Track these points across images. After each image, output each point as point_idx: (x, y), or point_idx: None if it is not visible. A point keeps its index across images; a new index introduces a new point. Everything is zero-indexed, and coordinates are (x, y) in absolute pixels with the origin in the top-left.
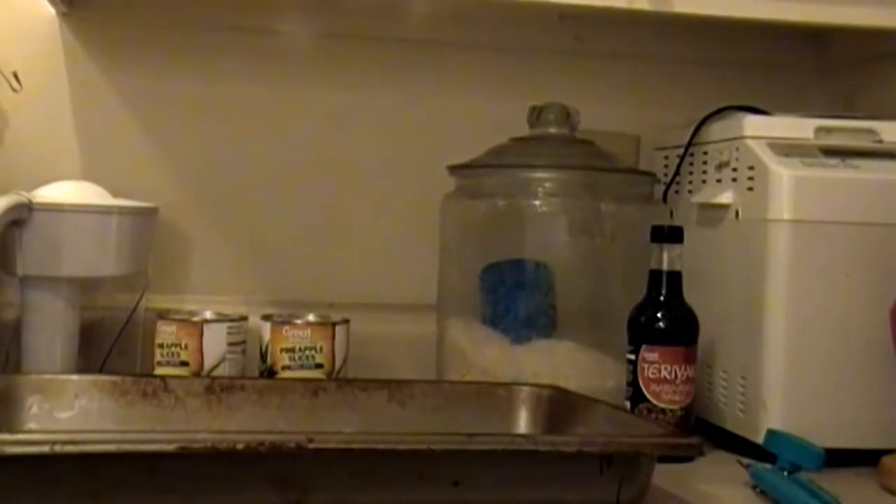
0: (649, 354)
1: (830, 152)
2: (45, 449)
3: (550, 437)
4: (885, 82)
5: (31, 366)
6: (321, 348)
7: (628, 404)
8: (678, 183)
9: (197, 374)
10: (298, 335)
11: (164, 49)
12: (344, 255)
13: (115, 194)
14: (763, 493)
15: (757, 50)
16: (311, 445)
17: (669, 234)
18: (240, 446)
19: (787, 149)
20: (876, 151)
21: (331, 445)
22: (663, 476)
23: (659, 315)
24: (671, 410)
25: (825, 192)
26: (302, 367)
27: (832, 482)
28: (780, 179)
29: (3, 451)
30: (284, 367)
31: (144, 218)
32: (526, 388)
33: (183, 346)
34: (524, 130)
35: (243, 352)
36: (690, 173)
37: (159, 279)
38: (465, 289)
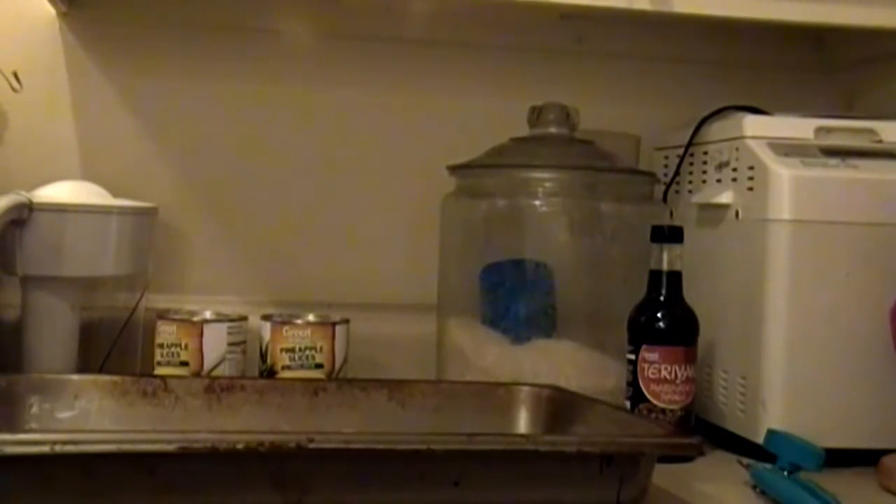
0: (649, 354)
1: (830, 152)
2: (45, 449)
3: (550, 437)
4: (886, 82)
5: (31, 366)
6: (321, 348)
7: (628, 404)
8: (678, 183)
9: (197, 374)
10: (298, 335)
11: (164, 49)
12: (344, 255)
13: (115, 194)
14: (763, 493)
15: (757, 50)
16: (311, 445)
17: (669, 234)
18: (240, 446)
19: (787, 149)
20: (876, 151)
21: (331, 445)
22: (663, 476)
23: (659, 315)
24: (671, 410)
25: (825, 192)
26: (302, 367)
27: (832, 482)
28: (780, 179)
29: (3, 451)
30: (284, 367)
31: (144, 218)
32: (526, 388)
33: (183, 346)
34: (524, 130)
35: (243, 352)
36: (690, 173)
37: (159, 279)
38: (465, 289)
